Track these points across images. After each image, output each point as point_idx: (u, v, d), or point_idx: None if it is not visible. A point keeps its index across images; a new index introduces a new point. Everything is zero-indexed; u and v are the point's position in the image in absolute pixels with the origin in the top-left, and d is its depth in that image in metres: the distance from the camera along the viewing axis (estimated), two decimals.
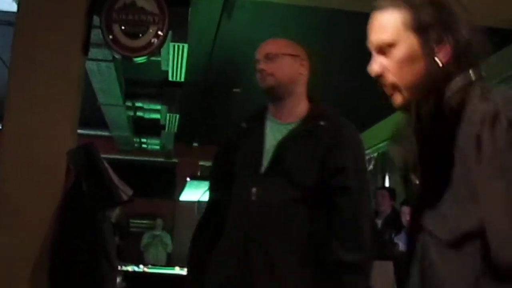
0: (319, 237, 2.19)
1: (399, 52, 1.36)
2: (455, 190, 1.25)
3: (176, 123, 9.09)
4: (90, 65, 5.94)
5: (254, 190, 2.33)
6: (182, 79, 6.86)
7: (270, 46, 2.47)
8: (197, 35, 5.39)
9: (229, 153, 2.57)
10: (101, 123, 9.02)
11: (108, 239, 3.66)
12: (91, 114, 7.57)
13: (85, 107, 3.96)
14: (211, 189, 2.79)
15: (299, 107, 2.44)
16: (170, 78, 6.88)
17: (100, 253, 3.54)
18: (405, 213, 5.73)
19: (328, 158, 2.25)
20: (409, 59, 1.36)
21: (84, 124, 4.02)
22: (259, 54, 2.48)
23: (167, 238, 11.75)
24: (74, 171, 3.53)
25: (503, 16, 4.48)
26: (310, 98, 2.50)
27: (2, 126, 3.62)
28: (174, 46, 5.62)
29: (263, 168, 2.37)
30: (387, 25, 1.37)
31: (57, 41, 3.69)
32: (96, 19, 3.88)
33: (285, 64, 2.41)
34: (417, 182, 1.40)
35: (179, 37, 5.19)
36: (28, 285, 3.42)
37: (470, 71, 1.34)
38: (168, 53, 5.81)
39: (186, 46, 5.60)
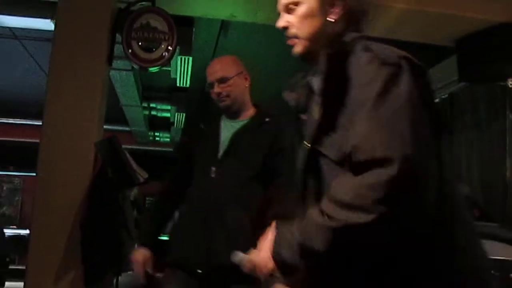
0: None
1: (301, 10, 1.46)
2: (341, 121, 1.31)
3: (183, 120, 9.15)
4: (113, 74, 5.94)
5: (213, 169, 2.39)
6: (188, 85, 6.88)
7: (221, 70, 2.45)
8: (199, 49, 5.39)
9: (190, 145, 2.68)
10: (122, 120, 9.03)
11: (128, 213, 3.69)
12: (114, 113, 7.55)
13: (109, 107, 3.94)
14: (177, 169, 2.81)
15: (248, 110, 2.49)
16: (178, 84, 6.92)
17: (121, 224, 3.57)
18: None
19: (273, 143, 2.31)
20: (309, 16, 1.45)
21: (108, 121, 4.01)
22: (212, 78, 2.48)
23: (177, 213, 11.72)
24: (100, 159, 3.52)
25: (441, 35, 4.46)
26: (255, 103, 2.57)
27: (42, 123, 3.59)
28: (181, 59, 5.64)
29: (219, 154, 2.43)
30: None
31: (86, 54, 3.67)
32: (118, 37, 3.87)
33: (236, 84, 2.42)
34: (305, 119, 1.48)
35: (185, 51, 5.19)
36: (65, 250, 3.39)
37: (356, 29, 1.48)
38: (176, 64, 5.83)
39: (190, 58, 5.63)
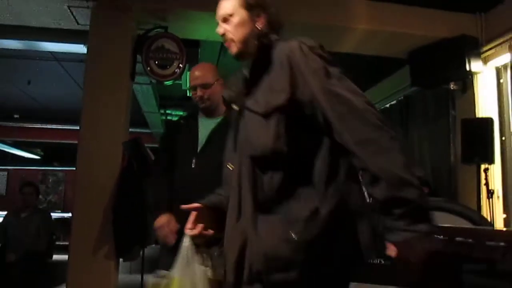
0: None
1: (235, 20, 1.52)
2: (264, 88, 1.44)
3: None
4: (135, 87, 5.90)
5: (194, 160, 2.31)
6: None
7: (203, 77, 2.35)
8: None
9: (172, 139, 2.54)
10: (144, 124, 8.98)
11: (151, 199, 3.65)
12: (137, 118, 7.51)
13: (133, 114, 3.93)
14: (160, 158, 2.72)
15: (222, 108, 2.23)
16: (188, 94, 6.85)
17: (145, 208, 3.53)
18: None
19: None
20: (241, 24, 1.52)
21: (133, 124, 4.00)
22: (194, 82, 2.40)
23: None
24: (127, 155, 3.51)
25: (396, 49, 4.48)
26: None
27: (80, 127, 3.59)
28: (189, 74, 5.60)
29: (199, 148, 2.34)
30: (229, 4, 1.54)
31: (113, 72, 3.66)
32: (138, 57, 3.86)
33: (216, 89, 2.31)
34: (237, 109, 1.56)
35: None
36: (100, 228, 3.41)
37: (276, 33, 1.59)
38: (186, 78, 5.75)
39: None
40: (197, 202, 1.63)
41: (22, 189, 4.61)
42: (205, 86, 2.31)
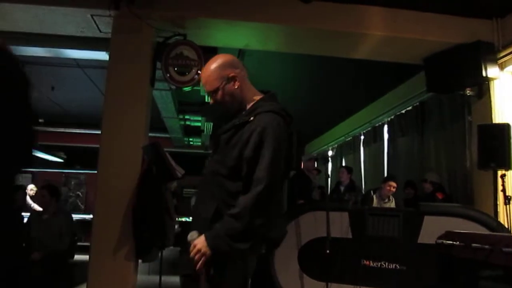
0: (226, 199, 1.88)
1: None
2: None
3: (210, 128, 9.15)
4: (155, 93, 5.97)
5: (206, 162, 2.27)
6: None
7: (207, 84, 2.04)
8: None
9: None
10: (163, 129, 9.05)
11: (169, 201, 3.69)
12: (157, 123, 7.59)
13: (153, 119, 3.96)
14: None
15: (248, 105, 2.01)
16: (206, 100, 6.90)
17: (164, 210, 3.56)
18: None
19: (245, 146, 1.87)
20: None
21: (152, 129, 4.03)
22: (205, 90, 2.14)
23: None
24: (146, 159, 3.53)
25: (411, 56, 4.43)
26: (259, 96, 2.05)
27: (101, 132, 3.63)
28: None
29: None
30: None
31: (134, 78, 3.70)
32: (158, 64, 3.90)
33: (225, 93, 1.98)
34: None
35: None
36: (120, 229, 3.44)
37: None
38: None
39: None
40: None
41: (38, 191, 4.70)
42: (213, 92, 2.05)
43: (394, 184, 5.31)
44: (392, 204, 5.46)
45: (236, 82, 1.98)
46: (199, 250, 1.77)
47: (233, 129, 1.95)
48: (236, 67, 2.00)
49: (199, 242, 1.78)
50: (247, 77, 2.05)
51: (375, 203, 5.46)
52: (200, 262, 1.75)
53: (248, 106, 2.00)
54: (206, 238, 1.78)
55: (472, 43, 4.04)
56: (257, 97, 2.03)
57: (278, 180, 1.86)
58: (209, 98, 2.11)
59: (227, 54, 2.11)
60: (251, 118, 1.90)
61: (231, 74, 1.97)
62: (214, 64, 2.00)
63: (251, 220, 1.76)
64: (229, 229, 1.76)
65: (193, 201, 11.22)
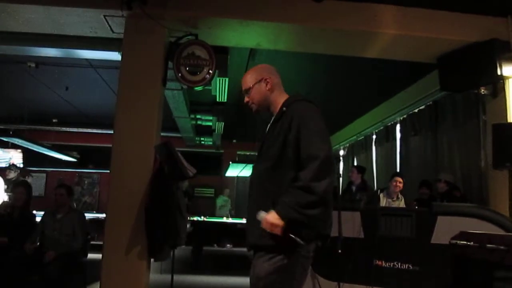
0: (276, 191, 1.96)
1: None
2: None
3: (222, 128, 9.17)
4: (167, 92, 6.00)
5: (253, 165, 2.27)
6: (225, 100, 6.89)
7: (244, 83, 2.23)
8: (233, 72, 5.39)
9: None
10: (175, 128, 9.09)
11: (181, 200, 3.69)
12: (169, 123, 7.63)
13: (165, 118, 3.97)
14: None
15: (277, 107, 2.16)
16: (217, 100, 6.93)
17: (175, 209, 3.56)
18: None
19: (287, 132, 2.00)
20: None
21: (164, 129, 4.04)
22: (242, 90, 2.29)
23: (229, 201, 11.59)
24: (158, 158, 3.54)
25: (424, 54, 4.38)
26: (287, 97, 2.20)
27: (113, 131, 3.65)
28: (219, 79, 5.65)
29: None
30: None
31: (146, 78, 3.72)
32: (170, 64, 3.91)
33: (256, 92, 2.18)
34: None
35: (222, 74, 5.20)
36: (133, 228, 3.46)
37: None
38: (216, 84, 5.84)
39: (227, 79, 5.64)
40: None
41: (55, 190, 4.74)
42: (246, 92, 2.23)
43: (400, 180, 5.36)
44: (402, 203, 5.44)
45: (268, 85, 2.18)
46: (271, 224, 1.86)
47: (271, 127, 2.12)
48: (271, 73, 2.22)
49: (270, 216, 1.87)
50: (281, 85, 2.24)
51: (383, 202, 5.45)
52: (277, 230, 1.85)
53: (279, 107, 2.15)
54: (276, 211, 1.87)
55: (486, 41, 3.98)
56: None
57: (331, 154, 1.93)
58: (245, 98, 2.27)
59: (268, 64, 2.33)
60: (284, 109, 2.08)
61: (264, 77, 2.19)
62: (253, 68, 2.28)
63: (313, 189, 1.84)
64: (295, 197, 1.86)
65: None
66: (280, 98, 2.18)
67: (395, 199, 5.46)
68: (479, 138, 4.84)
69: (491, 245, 2.75)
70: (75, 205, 10.66)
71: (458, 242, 3.15)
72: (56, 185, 5.01)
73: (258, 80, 2.20)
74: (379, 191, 5.76)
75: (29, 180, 10.65)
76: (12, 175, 7.58)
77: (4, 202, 5.52)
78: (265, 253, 1.95)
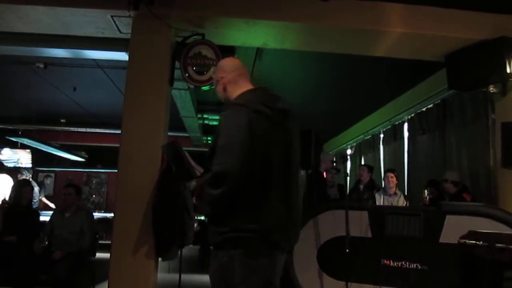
0: None
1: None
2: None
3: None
4: (174, 92, 6.00)
5: None
6: None
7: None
8: None
9: None
10: (182, 128, 9.11)
11: (188, 200, 3.68)
12: (176, 122, 7.63)
13: (172, 118, 3.98)
14: None
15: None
16: None
17: (183, 208, 3.57)
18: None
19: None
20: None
21: (171, 128, 4.05)
22: None
23: None
24: (166, 158, 3.55)
25: (432, 52, 4.36)
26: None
27: (121, 131, 3.66)
28: None
29: None
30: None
31: (153, 78, 3.73)
32: (177, 64, 3.92)
33: (218, 91, 2.24)
34: None
35: None
36: (140, 228, 3.47)
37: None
38: None
39: None
40: None
41: (63, 190, 4.78)
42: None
43: (391, 174, 5.56)
44: (401, 199, 5.49)
45: (220, 85, 2.20)
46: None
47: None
48: (225, 71, 2.21)
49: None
50: (238, 79, 2.18)
51: (381, 201, 5.48)
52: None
53: None
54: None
55: (495, 39, 3.95)
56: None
57: (233, 171, 1.81)
58: None
59: (226, 59, 2.35)
60: (222, 113, 2.04)
61: (217, 78, 2.22)
62: (221, 61, 2.34)
63: (208, 192, 1.88)
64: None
65: None
66: (233, 96, 2.15)
67: (392, 194, 5.50)
68: (488, 137, 4.80)
69: (501, 245, 2.73)
70: (84, 204, 10.75)
71: (467, 241, 3.13)
72: (64, 184, 5.05)
73: (216, 81, 2.23)
74: (374, 191, 5.83)
75: (48, 181, 10.73)
76: (24, 177, 7.65)
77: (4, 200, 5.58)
78: (214, 250, 1.93)
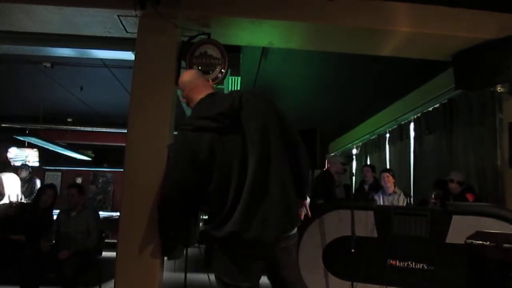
0: None
1: None
2: None
3: None
4: (180, 92, 5.98)
5: None
6: None
7: None
8: (246, 71, 5.40)
9: None
10: None
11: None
12: (182, 122, 7.61)
13: (177, 117, 3.98)
14: None
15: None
16: None
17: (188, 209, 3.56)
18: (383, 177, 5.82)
19: None
20: None
21: (177, 127, 4.04)
22: None
23: None
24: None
25: (439, 52, 4.33)
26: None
27: (127, 131, 3.66)
28: (231, 78, 5.64)
29: None
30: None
31: (159, 77, 3.72)
32: (183, 63, 3.92)
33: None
34: None
35: (235, 73, 5.18)
36: (146, 227, 3.45)
37: None
38: (228, 82, 5.83)
39: (239, 78, 5.62)
40: None
41: (66, 191, 4.81)
42: None
43: (387, 174, 5.65)
44: (401, 197, 5.52)
45: (185, 101, 2.44)
46: None
47: None
48: (183, 89, 2.42)
49: None
50: (193, 92, 2.35)
51: (382, 200, 5.48)
52: None
53: None
54: None
55: (502, 39, 3.91)
56: None
57: (171, 192, 2.17)
58: None
59: (182, 74, 2.51)
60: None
61: (182, 95, 2.44)
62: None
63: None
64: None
65: None
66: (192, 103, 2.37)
67: (391, 193, 5.50)
68: (495, 137, 4.76)
69: (508, 245, 2.71)
70: (90, 203, 10.79)
71: (474, 241, 3.11)
72: (67, 185, 5.08)
73: (178, 86, 2.46)
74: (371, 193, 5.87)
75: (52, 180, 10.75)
76: (24, 174, 7.69)
77: (10, 202, 5.60)
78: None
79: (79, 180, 10.49)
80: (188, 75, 2.43)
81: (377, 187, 6.03)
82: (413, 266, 3.74)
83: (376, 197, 5.62)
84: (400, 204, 5.41)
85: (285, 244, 2.09)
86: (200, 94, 2.26)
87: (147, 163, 3.56)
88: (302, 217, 2.29)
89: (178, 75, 3.88)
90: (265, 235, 1.99)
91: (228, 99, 2.10)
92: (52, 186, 5.26)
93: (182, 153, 2.05)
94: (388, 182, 5.60)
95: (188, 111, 7.41)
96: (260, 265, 2.05)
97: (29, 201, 6.65)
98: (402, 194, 5.55)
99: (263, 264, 2.05)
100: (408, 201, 5.51)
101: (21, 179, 7.31)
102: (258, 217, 1.96)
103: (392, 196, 5.52)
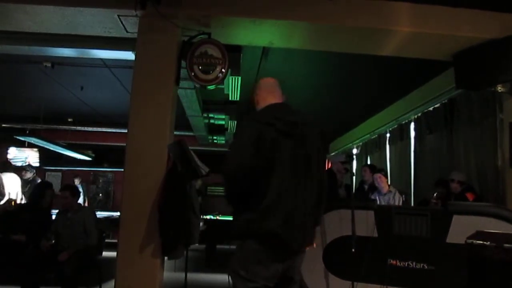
0: None
1: None
2: None
3: (235, 126, 9.17)
4: (180, 91, 6.01)
5: None
6: (238, 99, 6.88)
7: None
8: (246, 71, 5.40)
9: None
10: (188, 127, 9.12)
11: (194, 199, 3.70)
12: (182, 121, 7.65)
13: (178, 117, 3.99)
14: None
15: None
16: (230, 99, 6.92)
17: (189, 207, 3.58)
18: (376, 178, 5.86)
19: None
20: None
21: (177, 127, 4.06)
22: None
23: None
24: (172, 157, 3.56)
25: (440, 52, 4.33)
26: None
27: (127, 130, 3.67)
28: (232, 78, 5.64)
29: None
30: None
31: (159, 76, 3.73)
32: (183, 63, 3.92)
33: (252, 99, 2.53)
34: None
35: (235, 72, 5.19)
36: (146, 227, 3.47)
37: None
38: (228, 82, 5.84)
39: (239, 78, 5.63)
40: None
41: (59, 193, 4.80)
42: None
43: (379, 174, 5.75)
44: (396, 195, 5.57)
45: (254, 102, 2.52)
46: None
47: None
48: (259, 89, 2.53)
49: None
50: (266, 96, 2.48)
51: (378, 201, 5.52)
52: None
53: None
54: None
55: (503, 38, 3.91)
56: None
57: (235, 168, 2.20)
58: None
59: (264, 79, 2.63)
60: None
61: (252, 95, 2.54)
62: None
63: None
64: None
65: None
66: (258, 108, 2.48)
67: (387, 193, 5.59)
68: (496, 137, 4.76)
69: (509, 245, 2.71)
70: (88, 203, 10.79)
71: (475, 241, 3.10)
72: (60, 188, 5.08)
73: (252, 92, 2.56)
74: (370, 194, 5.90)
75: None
76: (28, 175, 7.68)
77: (10, 199, 5.60)
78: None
79: (78, 180, 10.47)
80: (272, 80, 2.61)
81: (376, 187, 6.03)
82: (414, 266, 3.74)
83: (372, 198, 5.64)
84: (396, 202, 5.45)
85: (303, 253, 2.35)
86: (275, 99, 2.45)
87: (147, 163, 3.57)
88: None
89: (178, 75, 3.88)
90: (300, 242, 2.22)
91: (291, 113, 2.34)
92: (50, 186, 5.27)
93: (252, 139, 2.17)
94: (382, 182, 5.64)
95: (190, 111, 7.46)
96: (279, 268, 2.18)
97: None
98: (397, 192, 5.58)
99: (282, 267, 2.19)
100: (403, 199, 5.54)
101: (25, 180, 7.31)
102: (297, 225, 2.17)
103: (387, 195, 5.55)
